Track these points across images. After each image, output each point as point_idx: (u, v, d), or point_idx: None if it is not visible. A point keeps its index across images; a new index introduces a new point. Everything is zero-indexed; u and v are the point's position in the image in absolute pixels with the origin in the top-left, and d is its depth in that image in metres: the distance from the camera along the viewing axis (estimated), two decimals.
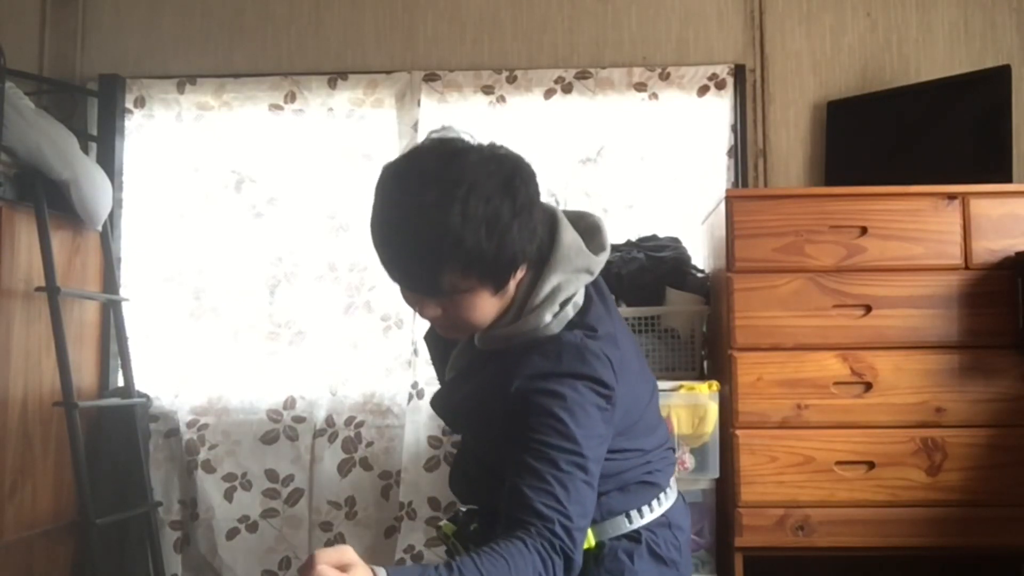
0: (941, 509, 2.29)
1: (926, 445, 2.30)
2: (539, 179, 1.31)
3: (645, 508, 1.40)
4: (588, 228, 1.38)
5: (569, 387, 1.24)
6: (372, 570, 1.01)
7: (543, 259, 1.31)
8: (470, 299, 1.25)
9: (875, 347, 2.33)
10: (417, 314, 1.33)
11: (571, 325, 1.32)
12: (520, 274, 1.30)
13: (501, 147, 1.28)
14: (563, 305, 1.31)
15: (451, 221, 1.16)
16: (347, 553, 1.01)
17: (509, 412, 1.25)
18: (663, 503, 1.43)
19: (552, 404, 1.22)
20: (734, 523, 2.32)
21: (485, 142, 1.29)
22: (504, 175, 1.23)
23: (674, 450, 1.52)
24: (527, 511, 1.16)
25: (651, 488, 1.41)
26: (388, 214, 1.22)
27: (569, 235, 1.34)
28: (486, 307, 1.27)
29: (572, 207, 2.91)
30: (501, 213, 1.20)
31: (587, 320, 1.33)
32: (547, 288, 1.29)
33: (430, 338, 1.55)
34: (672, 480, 1.49)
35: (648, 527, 1.39)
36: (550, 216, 1.35)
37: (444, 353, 1.49)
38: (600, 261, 1.36)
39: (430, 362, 1.58)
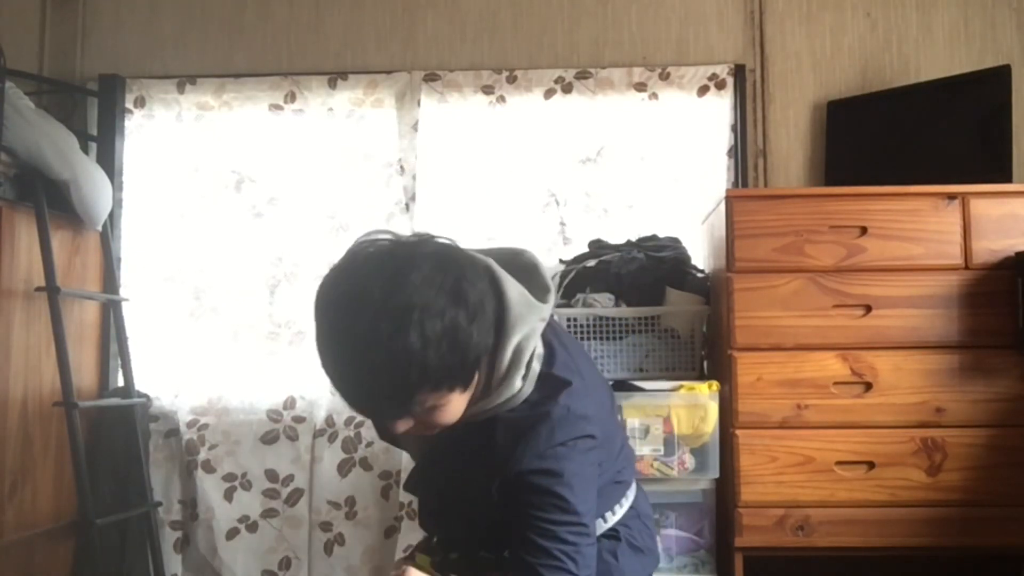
0: (941, 509, 2.29)
1: (926, 445, 2.30)
2: (481, 270, 1.26)
3: (616, 506, 1.42)
4: (524, 268, 1.35)
5: (566, 459, 1.26)
6: None
7: (498, 328, 1.28)
8: (442, 406, 1.24)
9: (875, 347, 2.33)
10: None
11: (542, 380, 1.30)
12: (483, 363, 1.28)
13: (431, 243, 1.24)
14: (528, 364, 1.29)
15: (412, 347, 1.13)
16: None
17: (508, 489, 1.27)
18: (630, 496, 1.45)
19: (552, 484, 1.25)
20: (734, 523, 2.32)
21: (415, 240, 1.24)
22: (450, 286, 1.19)
23: (633, 452, 1.54)
24: None
25: (620, 486, 1.44)
26: (341, 349, 1.18)
27: (514, 291, 1.30)
28: (458, 406, 1.27)
29: (572, 207, 2.93)
30: (459, 324, 1.18)
31: (556, 372, 1.32)
32: (508, 356, 1.27)
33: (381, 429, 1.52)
34: (633, 478, 1.52)
35: (622, 522, 1.42)
36: (489, 278, 1.29)
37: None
38: (549, 306, 1.34)
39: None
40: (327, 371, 1.21)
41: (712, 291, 2.60)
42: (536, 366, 1.30)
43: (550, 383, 1.31)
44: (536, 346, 1.31)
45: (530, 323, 1.29)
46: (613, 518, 1.41)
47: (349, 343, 1.16)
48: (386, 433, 1.50)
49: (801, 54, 3.00)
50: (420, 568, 1.42)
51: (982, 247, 2.33)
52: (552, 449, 1.25)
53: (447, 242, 1.26)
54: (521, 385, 1.28)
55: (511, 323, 1.27)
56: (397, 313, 1.14)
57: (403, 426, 1.24)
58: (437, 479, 1.43)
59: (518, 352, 1.28)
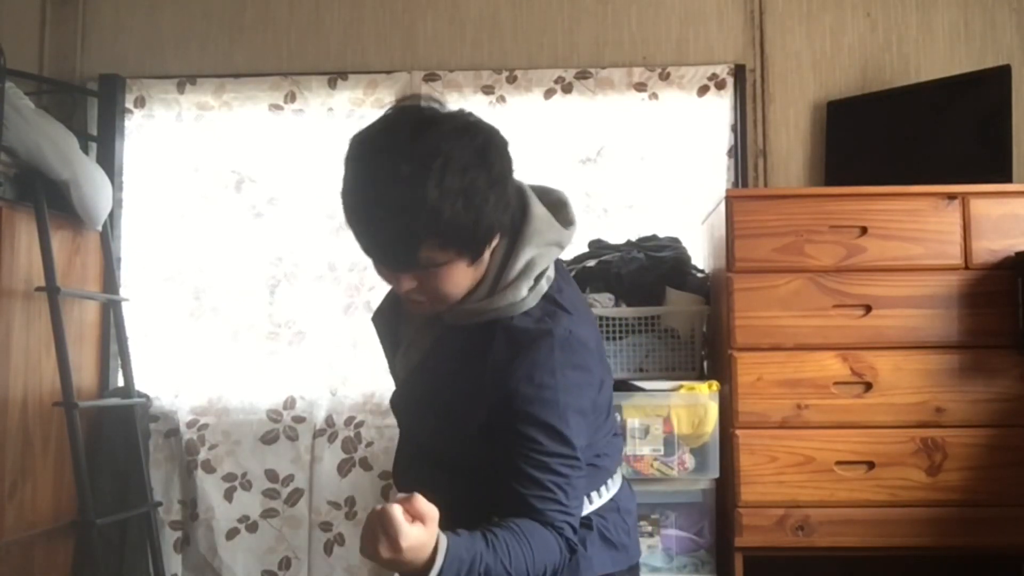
0: (941, 509, 2.29)
1: (926, 445, 2.30)
2: (512, 156, 1.29)
3: (594, 493, 1.40)
4: (555, 203, 1.37)
5: (562, 389, 1.24)
6: (437, 536, 1.07)
7: (515, 232, 1.30)
8: (447, 271, 1.23)
9: (875, 347, 2.33)
10: (391, 287, 1.32)
11: (546, 300, 1.31)
12: (495, 243, 1.29)
13: (472, 115, 1.26)
14: (537, 279, 1.30)
15: (428, 195, 1.14)
16: (422, 504, 1.06)
17: (500, 410, 1.25)
18: (611, 488, 1.43)
19: (546, 414, 1.23)
20: (734, 523, 2.32)
21: (455, 109, 1.27)
22: (478, 145, 1.21)
23: (620, 436, 1.52)
24: (537, 519, 1.23)
25: (599, 472, 1.41)
26: (362, 189, 1.21)
27: (540, 208, 1.33)
28: (462, 278, 1.26)
29: (574, 207, 2.93)
30: (477, 184, 1.19)
31: (562, 301, 1.32)
32: (521, 262, 1.28)
33: (379, 320, 1.52)
34: (619, 466, 1.49)
35: (598, 512, 1.40)
36: (519, 189, 1.34)
37: (394, 335, 1.48)
38: (570, 235, 1.35)
39: (380, 343, 1.54)
40: (346, 212, 1.23)
41: (712, 291, 2.60)
42: (544, 285, 1.31)
43: (554, 306, 1.31)
44: (548, 268, 1.32)
45: (548, 240, 1.31)
46: (589, 505, 1.39)
47: (370, 181, 1.19)
48: (376, 316, 1.50)
49: (801, 54, 3.00)
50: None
51: (982, 247, 2.33)
52: (550, 374, 1.24)
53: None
54: (526, 295, 1.28)
55: (530, 232, 1.29)
56: (421, 158, 1.15)
57: (407, 284, 1.24)
58: (421, 398, 1.40)
59: (531, 263, 1.28)
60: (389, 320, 1.49)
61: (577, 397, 1.27)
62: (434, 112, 1.24)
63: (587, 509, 1.38)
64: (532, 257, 1.29)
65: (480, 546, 1.14)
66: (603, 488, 1.41)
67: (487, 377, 1.27)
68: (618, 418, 2.24)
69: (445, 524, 1.11)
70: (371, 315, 1.55)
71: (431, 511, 1.07)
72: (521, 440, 1.23)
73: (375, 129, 1.24)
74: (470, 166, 1.18)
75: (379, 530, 1.04)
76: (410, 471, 1.46)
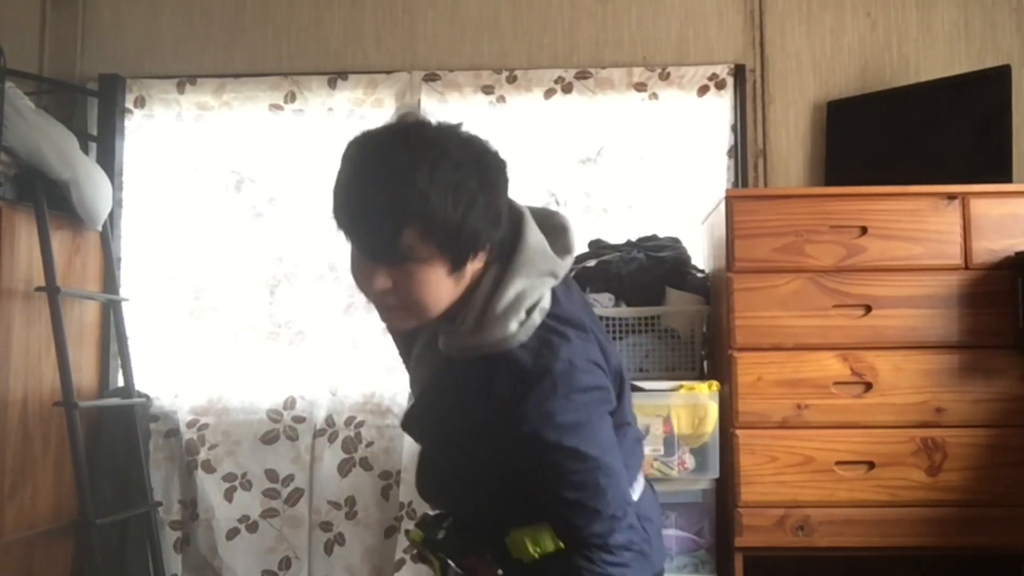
0: (941, 509, 2.29)
1: (926, 445, 2.30)
2: (509, 175, 1.27)
3: None
4: (554, 228, 1.35)
5: (572, 410, 1.24)
6: None
7: (505, 261, 1.27)
8: (424, 272, 1.20)
9: (875, 347, 2.33)
10: (364, 294, 1.28)
11: (541, 328, 1.28)
12: (478, 264, 1.26)
13: (474, 134, 1.27)
14: (529, 312, 1.27)
15: (419, 179, 1.15)
16: None
17: (520, 448, 1.25)
18: (636, 490, 1.43)
19: (562, 437, 1.23)
20: (734, 523, 2.32)
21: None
22: (475, 151, 1.22)
23: (642, 442, 1.52)
24: (583, 540, 1.25)
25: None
26: (355, 176, 1.22)
27: (534, 237, 1.30)
28: (440, 287, 1.23)
29: (572, 207, 2.93)
30: (469, 184, 1.18)
31: (558, 326, 1.29)
32: (511, 293, 1.25)
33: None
34: (640, 473, 1.49)
35: None
36: (517, 216, 1.31)
37: (408, 343, 1.47)
38: (565, 265, 1.32)
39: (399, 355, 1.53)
40: (336, 201, 1.24)
41: (712, 291, 2.60)
42: (536, 318, 1.27)
43: (550, 333, 1.28)
44: (542, 299, 1.29)
45: (541, 270, 1.28)
46: None
47: (363, 169, 1.21)
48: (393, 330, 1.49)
49: (801, 54, 3.00)
50: (413, 543, 1.43)
51: (982, 247, 2.33)
52: (556, 403, 1.23)
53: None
54: (516, 331, 1.25)
55: (521, 260, 1.27)
56: (417, 148, 1.18)
57: (382, 282, 1.21)
58: (427, 427, 1.40)
59: (521, 296, 1.26)
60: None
61: (588, 412, 1.27)
62: (435, 121, 1.26)
63: None
64: (523, 289, 1.26)
65: None
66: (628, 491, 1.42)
67: (495, 414, 1.26)
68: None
69: (467, 527, 1.10)
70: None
71: None
72: (547, 468, 1.25)
73: (373, 130, 1.26)
74: (464, 164, 1.19)
75: None
76: (430, 480, 1.47)
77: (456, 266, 1.22)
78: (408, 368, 1.48)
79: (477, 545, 1.37)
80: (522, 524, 1.33)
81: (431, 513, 1.47)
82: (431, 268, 1.20)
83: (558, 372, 1.25)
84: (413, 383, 1.45)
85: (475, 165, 1.20)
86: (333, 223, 1.29)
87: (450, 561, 1.39)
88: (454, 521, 1.43)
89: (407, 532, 1.50)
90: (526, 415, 1.23)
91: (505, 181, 1.26)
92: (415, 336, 1.43)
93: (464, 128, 1.25)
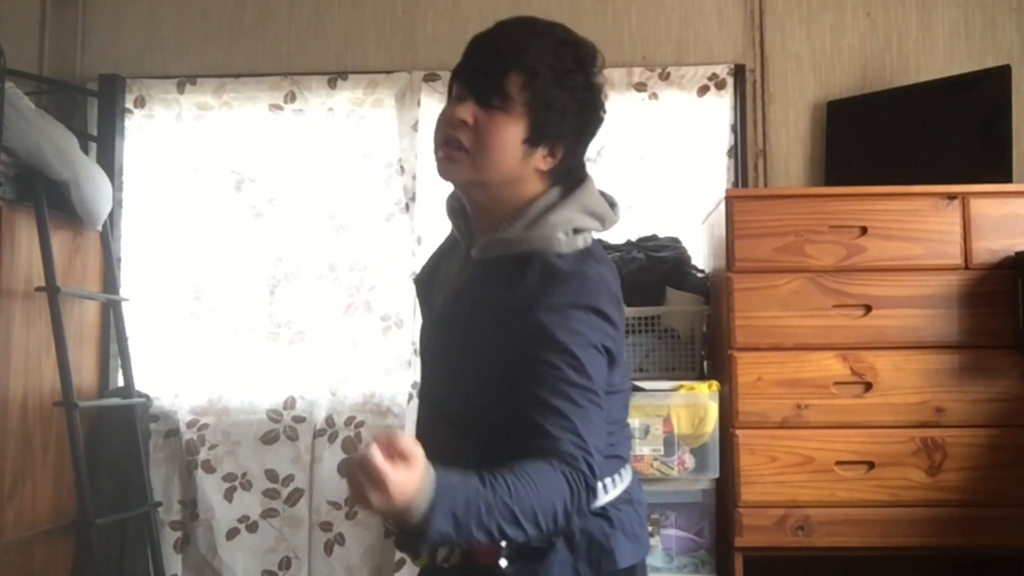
0: (941, 509, 2.29)
1: (926, 445, 2.30)
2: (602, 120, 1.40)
3: (609, 481, 1.38)
4: (606, 198, 1.43)
5: (586, 323, 1.25)
6: (425, 472, 1.03)
7: (568, 191, 1.36)
8: (505, 122, 1.29)
9: (875, 347, 2.33)
10: (438, 137, 1.36)
11: (583, 252, 1.32)
12: (543, 163, 1.33)
13: None
14: (576, 233, 1.33)
15: (544, 44, 1.30)
16: (405, 442, 1.02)
17: (523, 339, 1.24)
18: (624, 478, 1.42)
19: (571, 341, 1.23)
20: (734, 523, 2.32)
21: None
22: (595, 79, 1.34)
23: (630, 428, 1.51)
24: (551, 447, 1.18)
25: (613, 460, 1.39)
26: (499, 24, 1.38)
27: (595, 187, 1.41)
28: (509, 145, 1.29)
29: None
30: (578, 79, 1.31)
31: (595, 252, 1.35)
32: (565, 215, 1.32)
33: (419, 282, 1.52)
34: (629, 457, 1.48)
35: (614, 504, 1.38)
36: (584, 168, 1.43)
37: (431, 293, 1.48)
38: (613, 220, 1.40)
39: (419, 307, 1.54)
40: (471, 43, 1.39)
41: (712, 291, 2.60)
42: (580, 243, 1.33)
43: (591, 257, 1.33)
44: (587, 233, 1.35)
45: (594, 210, 1.36)
46: (605, 496, 1.36)
47: (511, 19, 1.39)
48: (418, 276, 1.54)
49: (801, 54, 3.00)
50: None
51: (982, 247, 2.33)
52: (575, 309, 1.25)
53: None
54: (562, 239, 1.30)
55: (581, 194, 1.36)
56: (549, 25, 1.34)
57: (465, 113, 1.30)
58: (444, 336, 1.39)
59: (571, 221, 1.32)
60: (429, 283, 1.50)
61: (599, 337, 1.27)
62: None
63: (603, 499, 1.36)
64: (574, 217, 1.33)
65: (474, 481, 1.10)
66: (617, 476, 1.41)
67: (514, 305, 1.26)
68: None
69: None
70: (413, 277, 1.60)
71: (413, 449, 1.02)
72: (540, 366, 1.22)
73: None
74: (581, 66, 1.31)
75: (363, 478, 1.00)
76: (427, 437, 1.42)
77: (532, 136, 1.30)
78: (425, 309, 1.49)
79: None
80: None
81: None
82: (513, 123, 1.29)
83: (591, 277, 1.28)
84: (432, 306, 1.46)
85: (585, 76, 1.32)
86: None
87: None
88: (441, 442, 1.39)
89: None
90: (544, 304, 1.24)
91: (598, 119, 1.37)
92: (435, 276, 1.48)
93: None
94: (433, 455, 1.10)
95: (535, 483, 1.13)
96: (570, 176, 1.38)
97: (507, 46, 1.32)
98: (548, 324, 1.23)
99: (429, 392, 1.46)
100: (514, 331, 1.25)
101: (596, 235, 1.38)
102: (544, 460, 1.16)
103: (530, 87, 1.28)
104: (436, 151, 1.36)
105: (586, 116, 1.35)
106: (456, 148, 1.32)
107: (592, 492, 1.22)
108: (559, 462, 1.17)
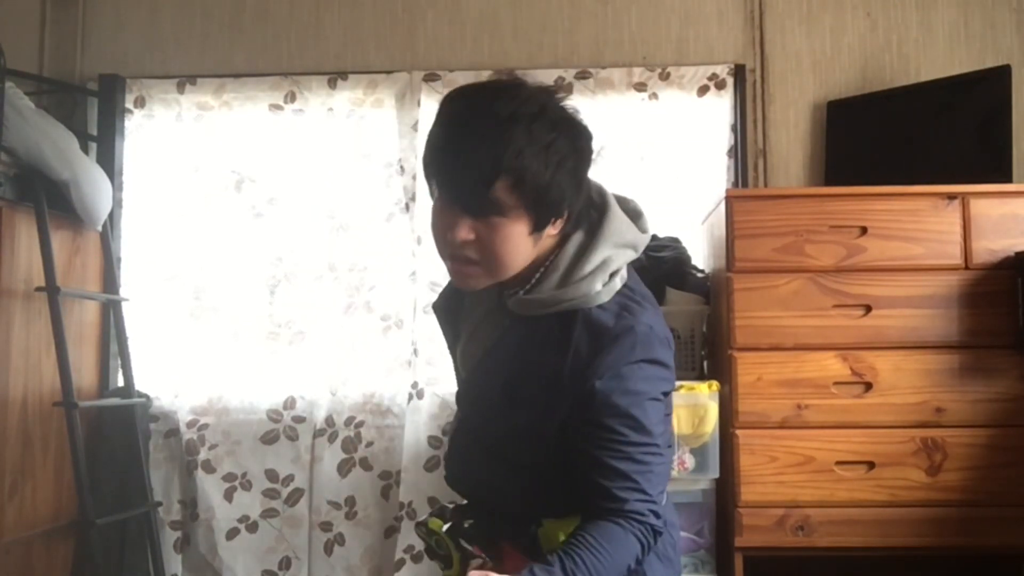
0: (941, 509, 2.29)
1: (926, 445, 2.30)
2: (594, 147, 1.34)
3: None
4: (631, 212, 1.39)
5: (643, 379, 1.26)
6: None
7: (593, 229, 1.32)
8: (508, 227, 1.23)
9: (875, 347, 2.33)
10: (441, 249, 1.30)
11: (621, 295, 1.32)
12: (554, 231, 1.29)
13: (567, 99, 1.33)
14: (611, 277, 1.31)
15: (517, 133, 1.19)
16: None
17: (581, 404, 1.25)
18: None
19: (629, 403, 1.24)
20: (734, 523, 2.32)
21: None
22: (569, 114, 1.27)
23: (673, 448, 1.53)
24: (620, 510, 1.24)
25: None
26: (454, 123, 1.23)
27: (618, 210, 1.36)
28: (519, 244, 1.25)
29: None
30: (561, 145, 1.23)
31: (636, 297, 1.33)
32: (598, 258, 1.29)
33: (440, 307, 1.51)
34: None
35: None
36: (600, 190, 1.37)
37: (455, 327, 1.47)
38: (645, 240, 1.38)
39: (441, 333, 1.53)
40: (430, 143, 1.25)
41: (712, 291, 2.60)
42: (617, 283, 1.32)
43: (630, 300, 1.32)
44: (622, 269, 1.34)
45: (626, 241, 1.33)
46: None
47: (461, 111, 1.23)
48: (437, 303, 1.51)
49: (801, 54, 3.00)
50: (431, 533, 1.41)
51: (982, 247, 2.33)
52: (630, 367, 1.25)
53: None
54: (600, 290, 1.29)
55: (610, 230, 1.31)
56: (518, 102, 1.21)
57: (465, 232, 1.23)
58: (490, 391, 1.38)
59: (606, 261, 1.30)
60: (449, 311, 1.49)
61: (655, 387, 1.28)
62: (532, 81, 1.31)
63: None
64: (608, 256, 1.30)
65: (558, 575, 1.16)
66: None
67: (568, 369, 1.27)
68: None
69: (497, 516, 1.11)
70: (432, 304, 1.55)
71: None
72: (603, 432, 1.25)
73: (471, 85, 1.29)
74: (560, 124, 1.23)
75: None
76: (465, 462, 1.45)
77: (538, 226, 1.25)
78: (456, 350, 1.48)
79: (510, 531, 1.36)
80: (556, 516, 1.33)
81: (449, 505, 1.46)
82: (514, 224, 1.24)
83: (640, 333, 1.27)
84: (467, 356, 1.44)
85: (569, 127, 1.25)
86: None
87: (475, 550, 1.37)
88: (482, 510, 1.41)
89: (418, 525, 1.47)
90: (600, 371, 1.24)
91: (591, 151, 1.31)
92: (460, 314, 1.46)
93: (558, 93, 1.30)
94: (472, 479, 1.12)
95: (610, 554, 1.21)
96: (590, 210, 1.34)
97: (482, 152, 1.19)
98: (605, 390, 1.24)
99: (469, 420, 1.46)
100: (568, 396, 1.27)
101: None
102: (614, 523, 1.23)
103: (520, 187, 1.21)
104: (444, 261, 1.32)
105: (580, 170, 1.29)
106: (465, 264, 1.28)
107: (659, 534, 1.28)
108: (627, 522, 1.23)
